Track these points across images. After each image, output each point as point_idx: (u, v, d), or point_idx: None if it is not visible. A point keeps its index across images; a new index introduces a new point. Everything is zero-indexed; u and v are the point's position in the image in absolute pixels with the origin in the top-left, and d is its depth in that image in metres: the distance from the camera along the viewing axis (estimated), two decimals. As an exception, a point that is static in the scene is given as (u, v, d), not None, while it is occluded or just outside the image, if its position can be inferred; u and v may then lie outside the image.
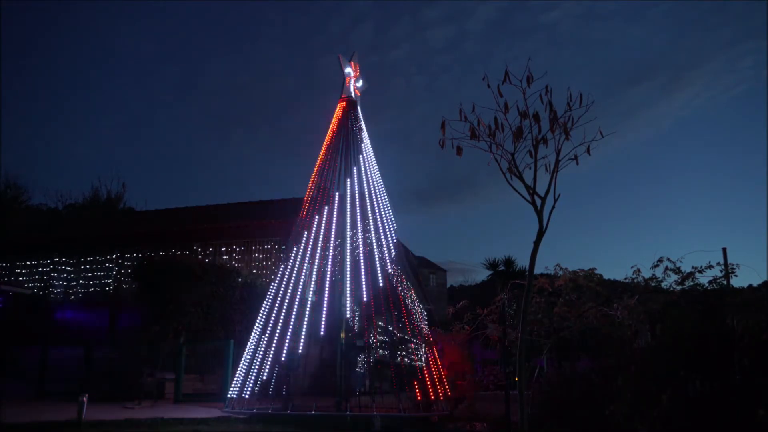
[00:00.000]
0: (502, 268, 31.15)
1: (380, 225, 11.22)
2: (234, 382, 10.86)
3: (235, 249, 18.74)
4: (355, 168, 11.62)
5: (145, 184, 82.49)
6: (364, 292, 10.39)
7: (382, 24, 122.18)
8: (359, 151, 11.97)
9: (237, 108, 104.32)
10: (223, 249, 18.85)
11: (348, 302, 10.59)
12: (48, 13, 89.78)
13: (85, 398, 9.30)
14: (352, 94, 12.77)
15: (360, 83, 13.09)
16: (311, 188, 11.99)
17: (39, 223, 30.47)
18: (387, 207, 11.68)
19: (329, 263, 10.74)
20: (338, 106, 12.68)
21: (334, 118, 12.59)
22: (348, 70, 12.74)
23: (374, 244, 10.84)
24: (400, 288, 10.86)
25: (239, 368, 10.98)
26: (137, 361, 13.29)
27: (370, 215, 11.16)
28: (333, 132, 12.39)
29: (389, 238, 11.31)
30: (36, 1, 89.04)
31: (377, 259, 10.69)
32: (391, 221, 11.54)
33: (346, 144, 12.05)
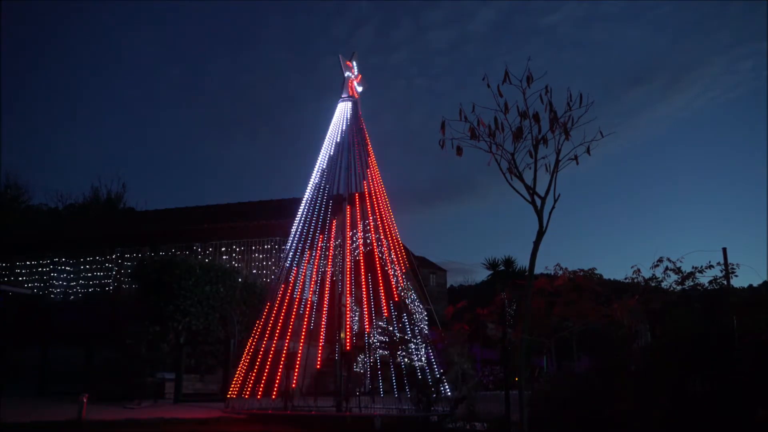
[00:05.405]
0: (502, 268, 31.12)
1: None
2: (234, 381, 10.85)
3: (235, 249, 18.74)
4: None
5: (145, 184, 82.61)
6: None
7: (384, 26, 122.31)
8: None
9: (238, 109, 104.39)
10: (223, 249, 18.85)
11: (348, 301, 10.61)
12: (50, 14, 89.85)
13: (85, 398, 9.31)
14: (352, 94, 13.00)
15: (360, 85, 13.19)
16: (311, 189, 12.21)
17: (39, 223, 30.46)
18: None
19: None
20: (338, 105, 12.90)
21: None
22: (347, 73, 12.93)
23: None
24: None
25: (239, 368, 10.98)
26: (137, 361, 13.28)
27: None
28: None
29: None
30: (37, 2, 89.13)
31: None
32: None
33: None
